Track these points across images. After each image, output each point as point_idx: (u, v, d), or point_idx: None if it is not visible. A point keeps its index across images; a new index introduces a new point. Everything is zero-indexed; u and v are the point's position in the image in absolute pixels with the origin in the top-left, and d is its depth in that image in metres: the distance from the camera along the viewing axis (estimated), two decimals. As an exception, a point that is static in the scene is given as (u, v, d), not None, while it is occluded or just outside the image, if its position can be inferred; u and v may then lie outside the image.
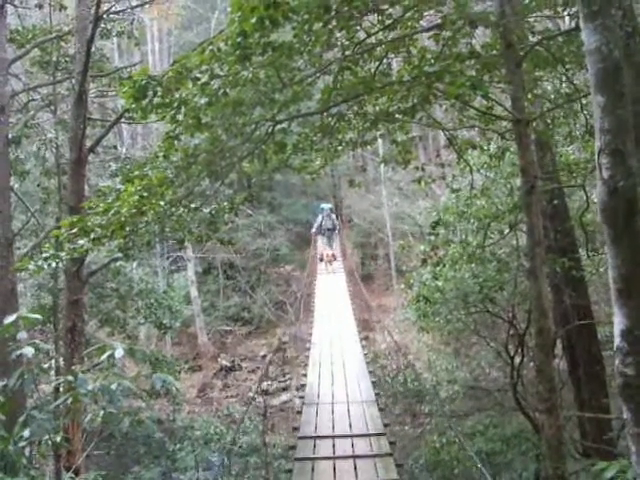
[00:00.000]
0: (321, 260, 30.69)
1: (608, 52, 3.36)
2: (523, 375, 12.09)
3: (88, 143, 12.65)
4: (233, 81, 6.97)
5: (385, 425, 11.80)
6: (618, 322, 3.47)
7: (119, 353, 4.53)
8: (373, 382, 14.49)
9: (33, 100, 16.19)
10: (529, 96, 9.73)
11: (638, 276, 3.41)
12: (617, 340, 3.48)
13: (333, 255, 30.23)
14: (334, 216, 31.30)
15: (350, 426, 11.85)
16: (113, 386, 4.59)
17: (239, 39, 6.49)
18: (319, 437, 11.39)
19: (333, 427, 11.88)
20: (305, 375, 15.83)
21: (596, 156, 3.38)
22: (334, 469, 10.01)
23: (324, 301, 24.15)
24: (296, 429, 12.16)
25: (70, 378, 4.57)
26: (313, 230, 31.27)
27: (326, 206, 31.44)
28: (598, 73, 3.39)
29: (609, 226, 3.41)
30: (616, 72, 3.38)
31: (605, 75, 3.38)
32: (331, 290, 26.04)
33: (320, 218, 30.24)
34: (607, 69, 3.38)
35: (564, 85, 9.75)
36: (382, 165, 31.71)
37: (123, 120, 16.12)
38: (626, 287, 3.42)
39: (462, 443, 9.92)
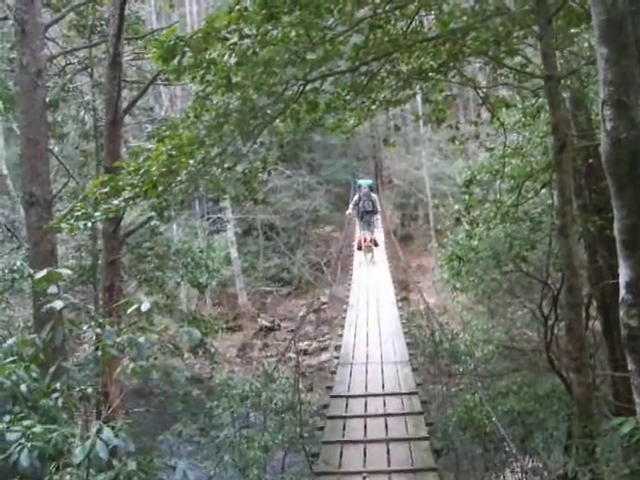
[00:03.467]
0: (359, 249, 25.03)
1: (612, 3, 3.29)
2: (558, 335, 12.04)
3: (124, 105, 12.79)
4: (262, 41, 6.99)
5: (418, 384, 11.89)
6: (623, 274, 3.48)
7: (145, 306, 4.63)
8: (408, 343, 14.58)
9: (70, 64, 16.33)
10: (564, 53, 9.59)
11: (643, 227, 3.40)
12: (622, 292, 3.49)
13: (373, 240, 24.65)
14: (375, 196, 25.40)
15: (383, 386, 11.97)
16: (141, 339, 4.70)
17: (266, -2, 6.52)
18: (352, 396, 11.54)
19: (366, 387, 12.02)
20: (341, 336, 15.98)
21: (600, 107, 3.36)
22: (365, 426, 10.16)
23: (363, 288, 21.11)
24: (330, 388, 12.32)
25: (98, 330, 4.70)
26: (348, 211, 26.26)
27: (364, 182, 25.81)
28: (602, 24, 3.33)
29: (613, 177, 3.39)
30: (620, 23, 3.31)
31: (609, 26, 3.32)
32: (371, 280, 21.75)
33: (357, 197, 24.61)
34: (611, 20, 3.31)
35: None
36: (422, 125, 31.49)
37: (160, 82, 16.23)
38: (631, 238, 3.41)
39: (489, 404, 9.98)
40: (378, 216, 26.69)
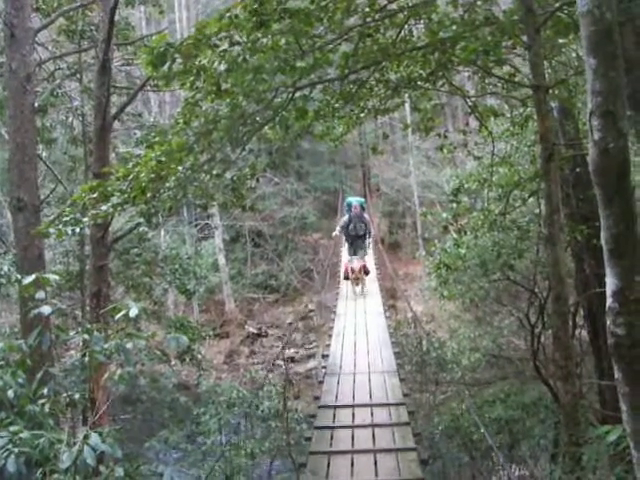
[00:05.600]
0: (346, 278, 20.71)
1: (600, 15, 3.33)
2: (544, 344, 12.10)
3: (114, 111, 12.76)
4: (252, 48, 7.00)
5: (405, 395, 11.87)
6: (610, 283, 3.52)
7: (133, 312, 4.62)
8: (395, 353, 14.55)
9: (59, 69, 16.28)
10: (552, 63, 9.66)
11: (629, 236, 3.43)
12: (609, 300, 3.53)
13: (363, 268, 20.20)
14: (367, 216, 21.86)
15: (370, 396, 11.92)
16: (128, 345, 4.69)
17: (255, 5, 6.53)
18: (339, 406, 11.48)
19: (353, 397, 11.96)
20: (329, 345, 15.93)
21: (588, 118, 3.40)
22: (352, 437, 10.12)
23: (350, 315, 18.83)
24: (317, 398, 12.28)
25: (85, 336, 4.69)
26: (335, 233, 22.45)
27: (355, 200, 21.73)
28: (590, 36, 3.37)
29: (600, 187, 3.43)
30: (608, 35, 3.35)
31: (597, 38, 3.35)
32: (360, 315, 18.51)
33: (347, 219, 20.72)
34: (599, 32, 3.35)
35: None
36: (410, 133, 31.57)
37: (149, 88, 16.22)
38: (617, 247, 3.45)
39: (476, 413, 9.97)
40: (370, 240, 21.69)
